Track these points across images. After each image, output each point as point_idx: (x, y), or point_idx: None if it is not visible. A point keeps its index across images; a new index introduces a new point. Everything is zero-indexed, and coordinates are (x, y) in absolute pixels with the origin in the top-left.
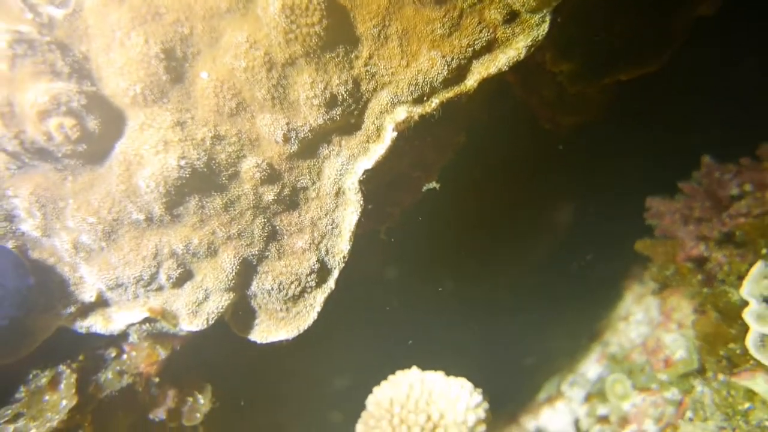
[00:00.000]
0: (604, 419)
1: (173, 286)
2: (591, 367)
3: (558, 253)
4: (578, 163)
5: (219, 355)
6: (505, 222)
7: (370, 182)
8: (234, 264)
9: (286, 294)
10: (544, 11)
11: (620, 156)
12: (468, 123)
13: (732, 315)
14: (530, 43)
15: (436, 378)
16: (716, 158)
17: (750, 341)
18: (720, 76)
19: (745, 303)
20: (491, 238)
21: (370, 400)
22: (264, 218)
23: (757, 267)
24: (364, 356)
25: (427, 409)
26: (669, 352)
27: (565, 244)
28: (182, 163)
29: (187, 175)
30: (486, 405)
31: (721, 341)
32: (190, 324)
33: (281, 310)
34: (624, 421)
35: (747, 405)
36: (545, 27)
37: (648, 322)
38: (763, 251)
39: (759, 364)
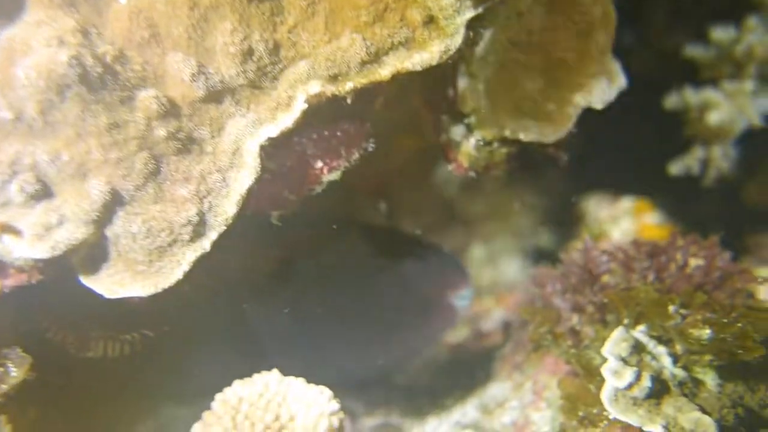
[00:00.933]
0: None
1: (23, 204)
2: None
3: None
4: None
5: (56, 317)
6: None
7: (271, 156)
8: (103, 193)
9: (153, 242)
10: (458, 22)
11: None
12: (377, 131)
13: (593, 373)
14: (443, 49)
15: (295, 382)
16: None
17: (604, 394)
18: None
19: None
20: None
21: (217, 399)
22: (149, 154)
23: (618, 331)
24: (234, 356)
25: (277, 410)
26: (536, 428)
27: None
28: (73, 62)
29: (75, 78)
30: (342, 415)
31: (581, 400)
32: (32, 247)
33: (143, 261)
34: None
35: None
36: (459, 39)
37: (522, 407)
38: (625, 320)
39: (611, 423)
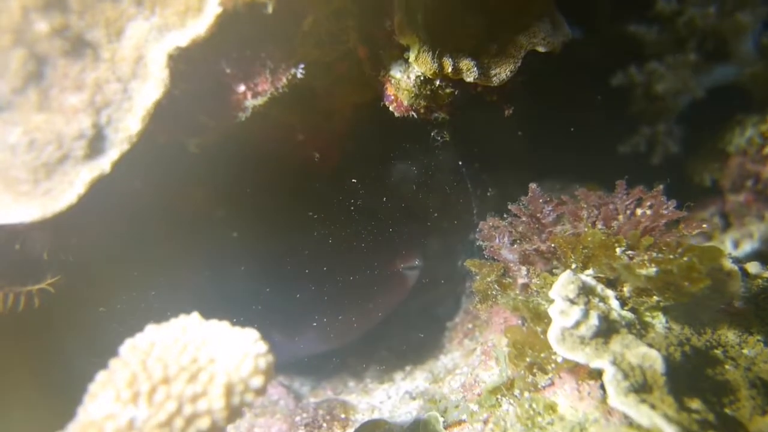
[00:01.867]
0: None
1: None
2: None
3: None
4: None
5: None
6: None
7: (184, 74)
8: None
9: (38, 157)
10: None
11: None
12: (308, 72)
13: (541, 317)
14: None
15: (219, 325)
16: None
17: (551, 334)
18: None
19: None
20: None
21: (126, 344)
22: (29, 52)
23: (565, 274)
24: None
25: (195, 353)
26: (484, 386)
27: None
28: None
29: None
30: (270, 357)
31: (528, 346)
32: None
33: (26, 180)
34: None
35: (547, 419)
36: None
37: (471, 370)
38: (572, 265)
39: (558, 366)
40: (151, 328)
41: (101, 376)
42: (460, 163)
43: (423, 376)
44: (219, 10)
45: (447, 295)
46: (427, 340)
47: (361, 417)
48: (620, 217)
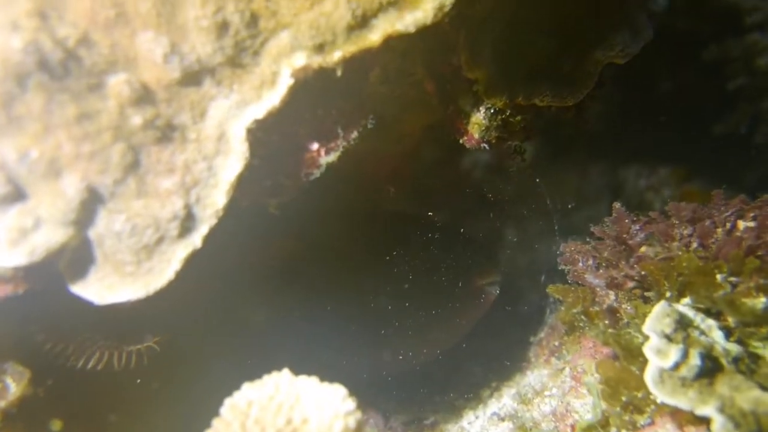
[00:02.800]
0: None
1: None
2: None
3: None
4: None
5: (52, 328)
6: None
7: (261, 141)
8: (80, 190)
9: (139, 240)
10: None
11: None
12: (377, 109)
13: (634, 354)
14: (437, 6)
15: (307, 382)
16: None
17: (648, 376)
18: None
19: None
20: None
21: (226, 403)
22: (126, 145)
23: (660, 305)
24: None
25: (289, 413)
26: (577, 417)
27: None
28: (29, 48)
29: (33, 65)
30: (359, 415)
31: (623, 384)
32: (8, 253)
33: (131, 262)
34: None
35: None
36: None
37: (561, 394)
38: (667, 294)
39: (658, 407)
40: (247, 387)
41: None
42: (537, 180)
43: (510, 394)
44: (291, 81)
45: (531, 309)
46: (513, 357)
47: None
48: (718, 231)
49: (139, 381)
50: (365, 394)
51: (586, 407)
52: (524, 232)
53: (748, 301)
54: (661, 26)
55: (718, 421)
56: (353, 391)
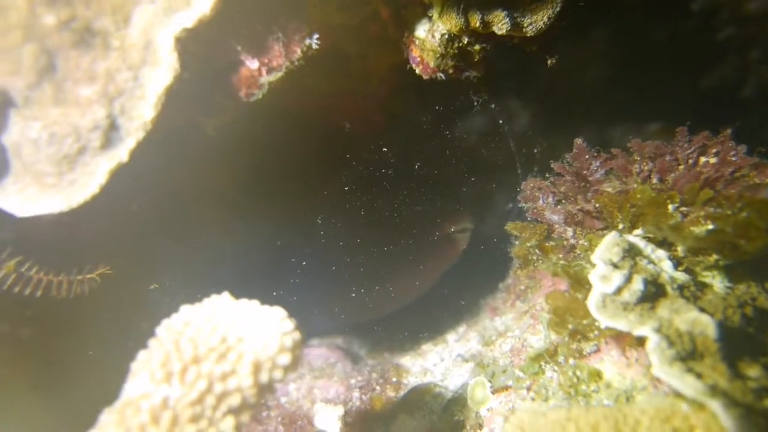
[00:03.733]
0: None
1: None
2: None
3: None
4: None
5: None
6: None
7: (194, 55)
8: None
9: (59, 150)
10: None
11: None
12: (327, 41)
13: (582, 282)
14: None
15: (248, 304)
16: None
17: (591, 301)
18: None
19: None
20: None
21: (162, 324)
22: (39, 46)
23: (610, 235)
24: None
25: (225, 332)
26: (531, 350)
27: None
28: None
29: None
30: (297, 335)
31: (570, 313)
32: None
33: (51, 173)
34: (478, 426)
35: (592, 387)
36: None
37: (521, 333)
38: (620, 225)
39: (601, 333)
40: (185, 308)
41: (142, 355)
42: (501, 122)
43: (476, 338)
44: None
45: (500, 256)
46: (481, 302)
47: (414, 380)
48: (680, 167)
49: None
50: (335, 341)
51: (540, 342)
52: (493, 178)
53: (696, 229)
54: None
55: (652, 340)
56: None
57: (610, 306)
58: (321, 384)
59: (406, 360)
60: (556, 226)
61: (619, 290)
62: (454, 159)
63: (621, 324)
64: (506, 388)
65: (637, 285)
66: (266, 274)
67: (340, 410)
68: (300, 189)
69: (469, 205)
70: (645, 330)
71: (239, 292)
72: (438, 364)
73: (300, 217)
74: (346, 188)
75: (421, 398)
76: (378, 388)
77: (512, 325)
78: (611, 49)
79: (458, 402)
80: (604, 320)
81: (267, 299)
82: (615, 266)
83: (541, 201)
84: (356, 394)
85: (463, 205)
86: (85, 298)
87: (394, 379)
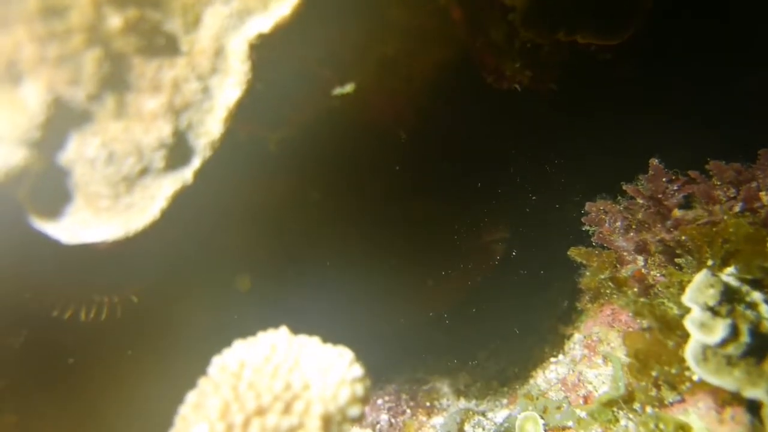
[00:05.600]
0: None
1: None
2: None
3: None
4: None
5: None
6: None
7: (266, 60)
8: (45, 103)
9: (118, 171)
10: None
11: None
12: (397, 36)
13: (671, 326)
14: None
15: (308, 342)
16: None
17: (689, 352)
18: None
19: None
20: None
21: (214, 363)
22: (103, 52)
23: (702, 274)
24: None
25: (288, 377)
26: (591, 388)
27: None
28: None
29: None
30: (367, 382)
31: (654, 359)
32: None
33: (107, 195)
34: None
35: None
36: None
37: (571, 363)
38: (709, 262)
39: (694, 386)
40: (239, 345)
41: (191, 397)
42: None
43: (509, 358)
44: None
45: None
46: (514, 317)
47: (446, 402)
48: (762, 195)
49: (115, 335)
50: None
51: (600, 378)
52: (541, 191)
53: None
54: None
55: None
56: (354, 349)
57: (712, 359)
58: None
59: (435, 378)
60: (625, 254)
61: (724, 342)
62: (501, 170)
63: (726, 382)
64: (564, 428)
65: (745, 338)
66: (312, 292)
67: None
68: (353, 199)
69: (506, 213)
70: (759, 393)
71: (285, 311)
72: (470, 384)
73: (343, 233)
74: (391, 195)
75: (460, 428)
76: (408, 411)
77: (552, 350)
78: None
79: None
80: (705, 375)
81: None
82: (712, 311)
83: (607, 224)
84: (385, 416)
85: (500, 213)
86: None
87: (427, 403)
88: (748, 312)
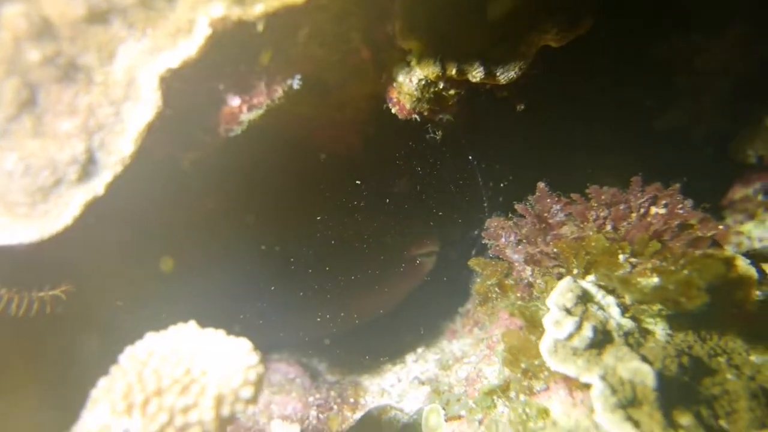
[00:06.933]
0: None
1: None
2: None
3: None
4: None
5: None
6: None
7: (177, 92)
8: None
9: (34, 182)
10: None
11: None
12: (309, 71)
13: (536, 324)
14: None
15: (213, 335)
16: (549, 186)
17: (543, 345)
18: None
19: None
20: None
21: (125, 353)
22: (21, 81)
23: (565, 280)
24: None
25: (190, 364)
26: (486, 382)
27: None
28: None
29: None
30: (261, 368)
31: (523, 353)
32: None
33: (24, 203)
34: None
35: (539, 424)
36: None
37: (476, 362)
38: (574, 271)
39: (551, 374)
40: (150, 337)
41: (102, 382)
42: (470, 157)
43: (434, 359)
44: (209, 31)
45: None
46: (442, 324)
47: (371, 399)
48: (633, 216)
49: (44, 328)
50: (296, 355)
51: (494, 373)
52: (458, 209)
53: (642, 281)
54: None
55: (597, 388)
56: (283, 350)
57: (561, 351)
58: (279, 400)
59: (365, 378)
60: (516, 264)
61: (570, 336)
62: (424, 189)
63: (570, 369)
64: (459, 417)
65: (587, 332)
66: (234, 297)
67: (296, 429)
68: (273, 215)
69: (435, 228)
70: (591, 377)
71: (208, 314)
72: (395, 384)
73: (273, 242)
74: (319, 210)
75: (377, 421)
76: (335, 407)
77: (469, 351)
78: (576, 90)
79: (413, 427)
80: (554, 364)
81: (234, 321)
82: (568, 311)
83: (503, 239)
84: (313, 412)
85: (429, 229)
86: (51, 315)
87: (352, 400)
88: (599, 312)
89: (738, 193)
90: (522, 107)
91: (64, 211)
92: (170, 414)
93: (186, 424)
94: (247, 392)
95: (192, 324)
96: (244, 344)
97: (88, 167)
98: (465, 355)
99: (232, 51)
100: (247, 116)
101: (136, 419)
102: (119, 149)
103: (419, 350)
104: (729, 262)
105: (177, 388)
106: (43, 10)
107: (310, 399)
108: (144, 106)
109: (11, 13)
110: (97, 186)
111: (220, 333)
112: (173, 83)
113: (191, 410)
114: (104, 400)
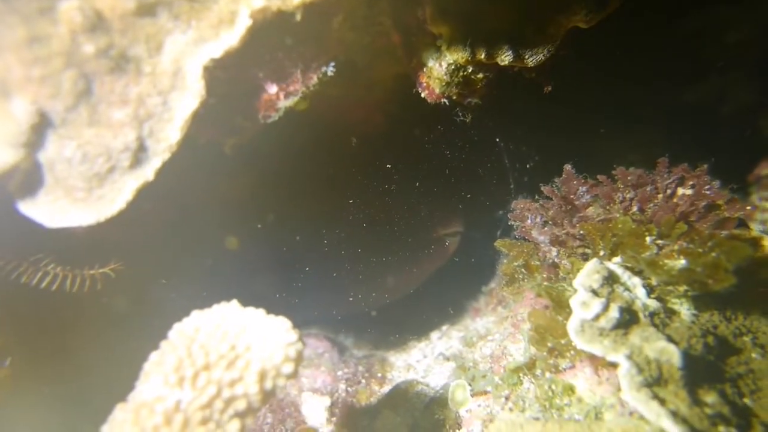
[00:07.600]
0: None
1: None
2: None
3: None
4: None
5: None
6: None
7: (220, 80)
8: (30, 114)
9: (91, 168)
10: None
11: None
12: (340, 54)
13: (563, 305)
14: None
15: (255, 313)
16: (575, 167)
17: (571, 324)
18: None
19: None
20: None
21: (174, 328)
22: (78, 72)
23: (591, 262)
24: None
25: (234, 340)
26: (511, 359)
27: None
28: None
29: None
30: (300, 346)
31: (550, 332)
32: None
33: (82, 188)
34: (457, 426)
35: (565, 400)
36: None
37: (501, 340)
38: (601, 252)
39: (577, 353)
40: (195, 314)
41: (154, 356)
42: (497, 139)
43: (458, 337)
44: (250, 22)
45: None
46: (465, 303)
47: (397, 374)
48: (659, 196)
49: (96, 305)
50: (325, 331)
51: (519, 351)
52: (486, 188)
53: (669, 262)
54: None
55: (623, 367)
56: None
57: (588, 331)
58: (308, 373)
59: (391, 354)
60: (542, 245)
61: (596, 317)
62: (450, 170)
63: (597, 349)
64: (485, 393)
65: (613, 313)
66: (272, 277)
67: (326, 401)
68: (309, 199)
69: (460, 209)
70: (617, 357)
71: (246, 293)
72: (421, 360)
73: (307, 224)
74: (348, 192)
75: (404, 395)
76: (363, 381)
77: (492, 329)
78: (604, 67)
79: (439, 401)
80: (581, 344)
81: (272, 301)
82: (594, 292)
83: (529, 221)
84: (342, 386)
85: (455, 209)
86: (100, 292)
87: (379, 374)
88: (626, 294)
89: (765, 169)
90: (549, 89)
91: (118, 196)
92: (218, 387)
93: (233, 396)
94: (288, 368)
95: (234, 302)
96: (283, 322)
97: (139, 154)
98: (489, 333)
99: (270, 40)
100: (284, 103)
101: (187, 391)
102: (167, 137)
103: (443, 328)
104: (755, 243)
105: (223, 362)
106: (96, 4)
107: (339, 373)
108: (189, 96)
109: (67, 7)
110: (148, 172)
111: (261, 311)
112: (216, 72)
113: (237, 383)
114: (156, 373)
